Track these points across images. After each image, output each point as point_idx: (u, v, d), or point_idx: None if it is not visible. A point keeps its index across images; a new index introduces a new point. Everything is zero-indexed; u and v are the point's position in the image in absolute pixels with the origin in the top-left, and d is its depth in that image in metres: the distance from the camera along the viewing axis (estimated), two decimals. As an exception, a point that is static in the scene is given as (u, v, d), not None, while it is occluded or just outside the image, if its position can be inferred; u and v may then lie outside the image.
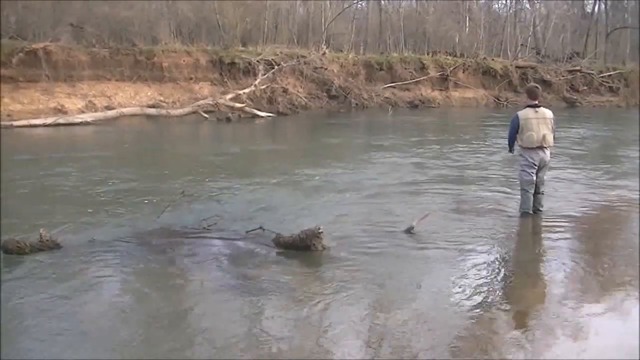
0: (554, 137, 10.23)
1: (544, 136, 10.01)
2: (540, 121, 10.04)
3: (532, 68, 42.50)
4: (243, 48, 33.84)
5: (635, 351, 5.58)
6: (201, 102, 28.08)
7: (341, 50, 38.17)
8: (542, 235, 9.66)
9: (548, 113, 10.21)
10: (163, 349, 5.51)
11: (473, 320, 6.16)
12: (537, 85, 11.23)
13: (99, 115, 25.02)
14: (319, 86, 33.70)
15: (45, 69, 26.21)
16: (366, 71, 37.02)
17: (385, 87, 36.72)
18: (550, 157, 10.44)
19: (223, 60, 31.58)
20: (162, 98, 28.58)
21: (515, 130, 10.12)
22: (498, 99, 39.63)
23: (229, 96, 28.76)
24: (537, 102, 10.25)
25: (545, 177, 10.48)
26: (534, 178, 10.20)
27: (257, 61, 31.58)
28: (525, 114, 10.08)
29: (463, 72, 40.25)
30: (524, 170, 10.22)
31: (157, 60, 29.64)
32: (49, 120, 23.04)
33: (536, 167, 10.15)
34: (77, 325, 5.98)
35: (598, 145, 21.78)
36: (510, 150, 10.57)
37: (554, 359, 5.49)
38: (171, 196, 11.27)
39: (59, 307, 6.40)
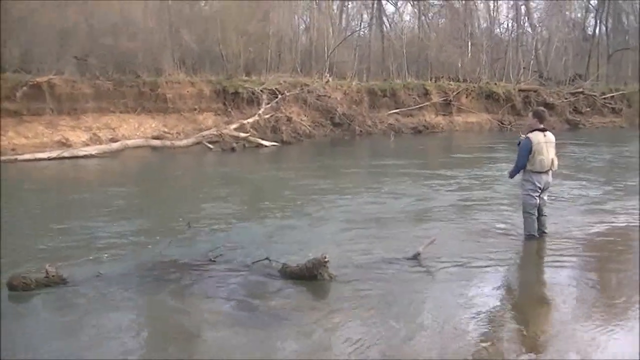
0: None
1: (552, 160, 10.18)
2: (548, 145, 10.19)
3: (534, 91, 42.54)
4: (246, 78, 33.91)
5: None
6: (205, 132, 28.06)
7: (344, 78, 38.11)
8: (548, 257, 9.75)
9: (553, 137, 10.36)
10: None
11: (481, 345, 6.17)
12: (543, 108, 11.35)
13: (104, 147, 24.97)
14: (323, 114, 33.64)
15: (50, 102, 26.20)
16: (369, 98, 36.93)
17: (389, 114, 36.71)
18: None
19: (227, 90, 31.54)
20: (166, 129, 28.59)
21: (528, 154, 10.14)
22: (502, 123, 39.61)
23: (233, 126, 28.75)
24: (543, 125, 10.34)
25: (546, 198, 10.62)
26: (538, 201, 10.29)
27: (261, 90, 31.60)
28: (536, 138, 10.16)
29: (466, 97, 40.24)
30: (528, 194, 10.30)
31: (160, 92, 29.62)
32: (54, 154, 23.00)
33: (540, 191, 10.25)
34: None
35: (602, 164, 21.80)
36: (512, 176, 10.65)
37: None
38: (177, 229, 11.30)
39: (63, 341, 6.40)
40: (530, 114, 11.02)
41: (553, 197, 13.88)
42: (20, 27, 27.11)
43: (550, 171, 10.35)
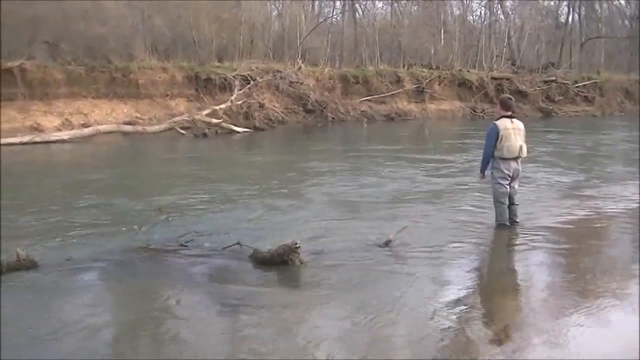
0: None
1: (520, 147, 10.24)
2: (516, 132, 10.25)
3: (507, 79, 42.83)
4: (219, 64, 33.87)
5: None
6: (177, 118, 28.07)
7: (317, 65, 38.19)
8: (519, 247, 9.78)
9: (521, 124, 10.43)
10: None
11: (452, 333, 6.28)
12: (510, 96, 11.42)
13: (76, 132, 24.95)
14: (295, 101, 33.72)
15: (21, 88, 26.10)
16: (342, 85, 37.10)
17: (361, 101, 36.81)
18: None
19: (199, 76, 31.57)
20: (138, 115, 28.49)
21: (495, 140, 10.20)
22: (474, 111, 39.86)
23: (206, 112, 28.76)
24: (510, 113, 10.39)
25: (516, 187, 10.63)
26: (508, 190, 10.34)
27: (233, 76, 31.63)
28: (503, 124, 10.22)
29: (439, 84, 40.44)
30: (498, 183, 10.35)
31: (133, 77, 29.57)
32: (26, 139, 22.94)
33: (510, 179, 10.30)
34: (53, 345, 6.03)
35: (583, 152, 21.99)
36: (483, 171, 10.69)
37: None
38: (148, 213, 11.32)
39: (34, 325, 6.44)
40: (497, 103, 11.08)
41: (534, 185, 14.06)
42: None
43: (519, 159, 10.38)
